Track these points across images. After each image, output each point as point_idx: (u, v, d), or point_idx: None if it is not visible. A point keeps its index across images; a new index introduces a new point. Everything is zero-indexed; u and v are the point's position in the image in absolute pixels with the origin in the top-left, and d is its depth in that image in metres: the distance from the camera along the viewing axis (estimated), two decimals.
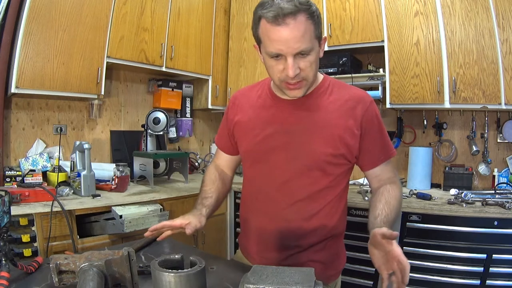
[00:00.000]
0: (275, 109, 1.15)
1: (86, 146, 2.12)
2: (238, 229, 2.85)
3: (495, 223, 1.98)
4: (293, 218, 1.12)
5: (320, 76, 1.18)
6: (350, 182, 1.22)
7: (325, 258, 1.17)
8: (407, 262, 0.85)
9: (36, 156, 2.34)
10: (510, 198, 2.13)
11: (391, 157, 1.19)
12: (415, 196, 2.37)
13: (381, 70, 2.63)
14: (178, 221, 1.08)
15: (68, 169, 2.29)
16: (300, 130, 1.11)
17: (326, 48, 2.79)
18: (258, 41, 1.05)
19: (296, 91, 1.06)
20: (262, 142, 1.15)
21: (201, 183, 1.31)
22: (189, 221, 1.08)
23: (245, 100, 1.24)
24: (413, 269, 2.12)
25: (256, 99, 1.21)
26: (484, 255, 1.97)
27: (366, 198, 2.29)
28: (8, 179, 2.11)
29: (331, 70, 2.72)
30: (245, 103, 1.24)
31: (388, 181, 1.16)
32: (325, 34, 2.79)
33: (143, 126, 2.83)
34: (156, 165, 2.82)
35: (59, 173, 2.19)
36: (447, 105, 2.38)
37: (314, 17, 0.98)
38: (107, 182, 2.38)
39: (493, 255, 1.96)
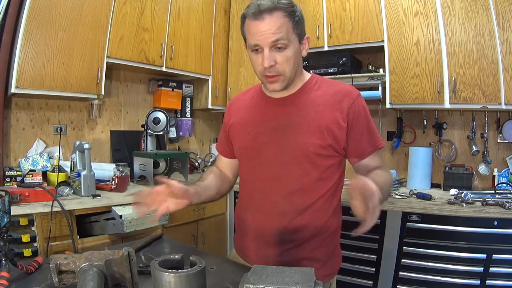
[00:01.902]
0: (266, 108, 1.21)
1: (86, 146, 2.12)
2: None
3: (495, 223, 1.98)
4: (287, 211, 1.15)
5: (308, 74, 1.23)
6: (349, 182, 1.21)
7: (321, 256, 1.18)
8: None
9: (36, 156, 2.34)
10: (510, 198, 2.13)
11: (379, 149, 1.20)
12: (415, 196, 2.37)
13: (381, 70, 2.63)
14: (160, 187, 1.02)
15: (68, 169, 2.29)
16: (289, 125, 1.15)
17: (326, 48, 2.80)
18: (244, 38, 1.15)
19: (274, 85, 1.11)
20: (253, 140, 1.20)
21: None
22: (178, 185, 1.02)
23: (240, 104, 1.31)
24: (413, 269, 2.13)
25: (249, 101, 1.28)
26: (484, 255, 1.98)
27: None
28: (8, 179, 2.11)
29: (331, 70, 2.72)
30: (239, 106, 1.31)
31: (376, 168, 1.16)
32: (327, 34, 2.79)
33: (143, 126, 2.83)
34: (156, 165, 2.82)
35: (59, 173, 2.19)
36: (447, 105, 2.39)
37: (293, 16, 1.07)
38: (107, 182, 2.37)
39: (493, 255, 1.96)
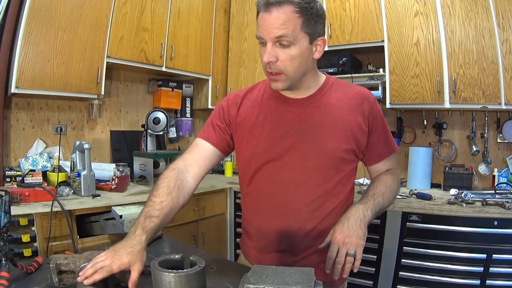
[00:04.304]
0: (284, 109, 1.14)
1: (86, 146, 2.12)
2: (238, 229, 2.85)
3: (495, 223, 1.98)
4: (309, 218, 1.12)
5: (323, 76, 1.19)
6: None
7: None
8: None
9: (36, 156, 2.34)
10: (510, 198, 2.13)
11: (393, 152, 1.24)
12: (415, 196, 2.37)
13: (381, 70, 2.63)
14: (115, 265, 0.85)
15: (68, 169, 2.29)
16: (311, 128, 1.11)
17: (326, 48, 2.79)
18: None
19: (276, 83, 1.06)
20: (274, 144, 1.12)
21: (155, 186, 1.06)
22: (129, 265, 0.86)
23: (249, 102, 1.20)
24: (413, 269, 2.13)
25: (260, 99, 1.19)
26: (484, 255, 1.97)
27: None
28: (8, 179, 2.11)
29: (331, 70, 2.73)
30: (249, 103, 1.20)
31: (384, 172, 1.23)
32: (327, 34, 2.78)
33: (143, 126, 2.83)
34: (156, 165, 2.82)
35: (59, 173, 2.19)
36: (447, 105, 2.39)
37: (306, 12, 1.00)
38: (107, 182, 2.37)
39: (493, 255, 1.96)
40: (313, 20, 1.02)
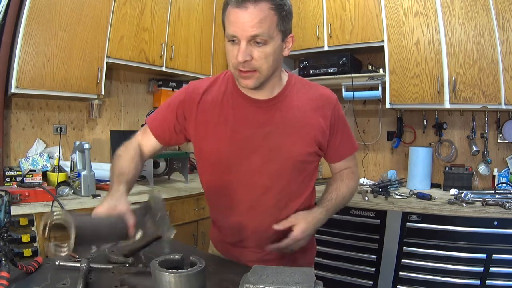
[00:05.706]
0: (247, 111, 1.11)
1: (86, 146, 2.12)
2: None
3: (495, 223, 1.98)
4: (276, 218, 1.13)
5: (285, 75, 1.17)
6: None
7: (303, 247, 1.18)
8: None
9: (36, 156, 2.34)
10: (510, 198, 2.14)
11: (354, 152, 1.28)
12: (415, 196, 2.37)
13: (381, 70, 2.63)
14: (121, 207, 0.91)
15: (68, 169, 2.29)
16: (274, 131, 1.10)
17: (326, 48, 2.80)
18: (224, 27, 1.04)
19: (247, 81, 1.02)
20: (236, 147, 1.10)
21: (115, 157, 1.13)
22: (119, 210, 0.90)
23: (209, 96, 1.14)
24: (413, 269, 2.13)
25: (221, 97, 1.14)
26: (484, 255, 1.98)
27: (366, 198, 2.30)
28: (8, 179, 2.11)
29: (331, 70, 2.73)
30: (209, 99, 1.14)
31: (346, 170, 1.27)
32: (327, 34, 2.78)
33: (143, 126, 2.83)
34: (156, 165, 2.82)
35: (59, 173, 2.19)
36: (447, 105, 2.39)
37: (280, 10, 0.98)
38: (107, 182, 2.37)
39: (493, 255, 1.96)
40: (286, 17, 1.00)
